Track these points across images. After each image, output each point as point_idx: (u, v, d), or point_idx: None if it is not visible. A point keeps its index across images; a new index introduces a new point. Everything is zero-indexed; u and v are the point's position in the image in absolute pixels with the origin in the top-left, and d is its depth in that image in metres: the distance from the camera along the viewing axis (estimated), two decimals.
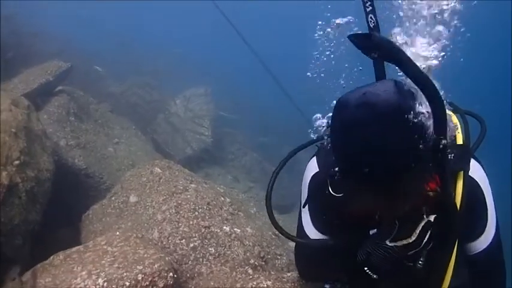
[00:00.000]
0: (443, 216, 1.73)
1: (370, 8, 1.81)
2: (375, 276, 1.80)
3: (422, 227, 1.69)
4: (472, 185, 1.84)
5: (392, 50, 1.40)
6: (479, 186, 1.89)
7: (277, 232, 4.06)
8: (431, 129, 1.51)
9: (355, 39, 1.41)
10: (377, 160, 1.47)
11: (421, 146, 1.48)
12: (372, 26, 1.82)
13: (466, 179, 1.81)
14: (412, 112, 1.46)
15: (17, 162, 3.46)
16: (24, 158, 3.57)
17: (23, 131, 3.71)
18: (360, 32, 1.41)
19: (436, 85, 1.45)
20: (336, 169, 1.73)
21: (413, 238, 1.69)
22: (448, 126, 1.61)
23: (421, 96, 1.50)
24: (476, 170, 1.90)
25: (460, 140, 1.89)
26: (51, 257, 2.72)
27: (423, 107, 1.50)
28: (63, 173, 4.71)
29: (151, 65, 10.43)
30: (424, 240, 1.71)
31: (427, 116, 1.50)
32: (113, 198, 4.24)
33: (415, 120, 1.46)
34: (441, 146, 1.50)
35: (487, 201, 1.92)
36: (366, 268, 1.82)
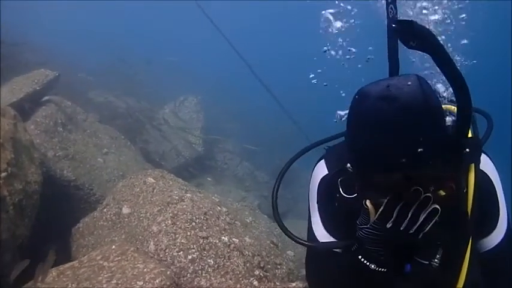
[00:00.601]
0: (455, 212, 1.67)
1: None
2: (372, 266, 1.70)
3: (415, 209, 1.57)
4: (483, 179, 1.81)
5: (432, 40, 1.36)
6: (491, 180, 1.87)
7: (275, 241, 4.02)
8: (451, 125, 1.52)
9: (396, 25, 1.38)
10: (397, 154, 1.44)
11: (442, 142, 1.47)
12: (390, 16, 1.82)
13: (477, 173, 1.76)
14: (434, 107, 1.46)
15: (4, 174, 3.29)
16: (12, 169, 3.41)
17: (9, 141, 3.55)
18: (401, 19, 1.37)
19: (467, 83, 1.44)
20: (348, 165, 1.69)
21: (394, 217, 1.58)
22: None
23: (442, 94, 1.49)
24: (486, 163, 1.88)
25: (469, 133, 1.84)
26: None
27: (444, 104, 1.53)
28: (52, 185, 4.55)
29: (141, 73, 10.30)
30: (418, 222, 1.59)
31: (448, 112, 1.54)
32: (105, 210, 4.10)
33: (437, 116, 1.46)
34: (462, 145, 1.55)
35: (498, 194, 1.89)
36: (360, 257, 1.73)
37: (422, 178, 1.52)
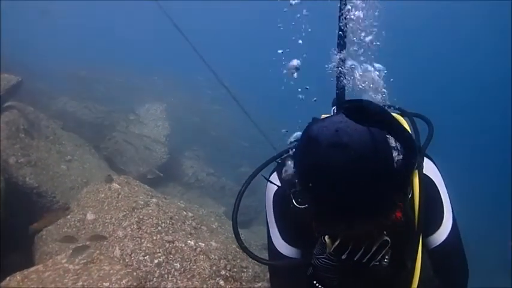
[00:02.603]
0: (400, 231, 1.75)
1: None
2: None
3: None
4: (427, 183, 1.92)
5: (383, 119, 1.42)
6: (433, 182, 1.99)
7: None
8: (399, 159, 1.54)
9: (347, 108, 1.39)
10: (351, 201, 1.48)
11: (393, 180, 1.52)
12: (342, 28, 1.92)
13: (421, 178, 1.88)
14: (383, 149, 1.49)
15: None
16: None
17: None
18: (351, 100, 1.38)
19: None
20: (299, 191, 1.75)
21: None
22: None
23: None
24: (429, 167, 1.99)
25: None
26: (7, 279, 2.53)
27: (391, 138, 1.56)
28: (14, 192, 4.46)
29: (107, 80, 10.21)
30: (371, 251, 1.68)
31: (395, 147, 1.55)
32: (69, 216, 4.05)
33: (387, 156, 1.50)
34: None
35: (441, 195, 2.01)
36: (315, 282, 1.83)
37: (375, 221, 1.57)
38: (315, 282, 1.83)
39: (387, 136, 1.53)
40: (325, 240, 1.68)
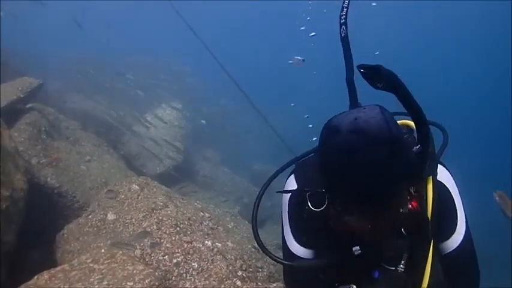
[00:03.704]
0: (417, 222, 1.82)
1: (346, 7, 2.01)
2: None
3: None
4: (440, 189, 1.96)
5: (396, 83, 1.51)
6: (447, 189, 2.02)
7: (256, 246, 4.17)
8: (413, 148, 1.65)
9: (364, 69, 1.49)
10: (367, 183, 1.56)
11: (407, 166, 1.60)
12: (342, 35, 2.03)
13: (435, 184, 1.93)
14: (398, 136, 1.59)
15: None
16: None
17: None
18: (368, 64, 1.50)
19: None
20: (323, 190, 1.81)
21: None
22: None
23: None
24: (442, 173, 2.03)
25: None
26: (35, 277, 2.65)
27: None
28: (36, 192, 4.60)
29: (122, 80, 10.34)
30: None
31: (408, 138, 1.65)
32: (90, 216, 4.18)
33: (401, 144, 1.59)
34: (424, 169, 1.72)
35: (455, 201, 2.04)
36: None
37: (393, 203, 1.66)
38: None
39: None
40: None
